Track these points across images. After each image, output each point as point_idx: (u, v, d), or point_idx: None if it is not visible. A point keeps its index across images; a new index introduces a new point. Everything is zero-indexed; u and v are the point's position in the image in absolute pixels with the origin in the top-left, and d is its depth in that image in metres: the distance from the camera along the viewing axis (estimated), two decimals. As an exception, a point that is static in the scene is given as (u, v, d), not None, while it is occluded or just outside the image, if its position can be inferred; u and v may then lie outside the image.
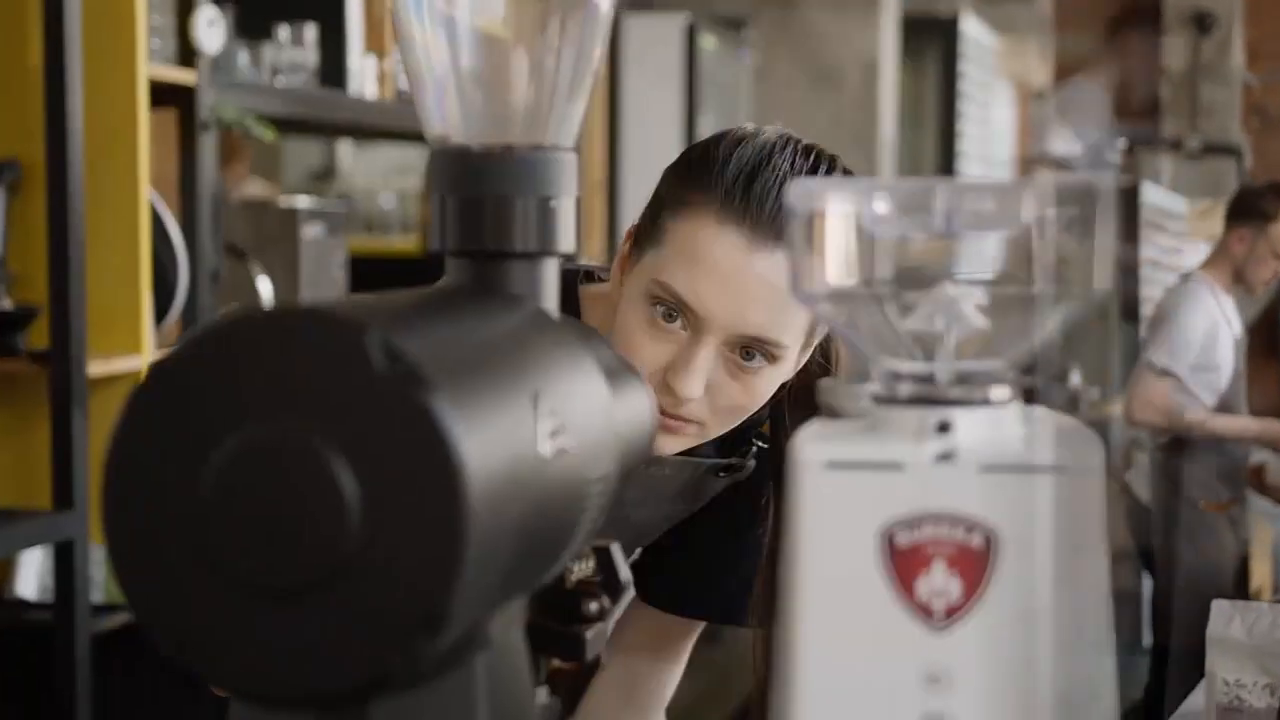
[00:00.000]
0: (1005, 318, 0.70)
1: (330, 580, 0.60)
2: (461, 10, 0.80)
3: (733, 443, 1.42)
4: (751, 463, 1.43)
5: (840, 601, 0.68)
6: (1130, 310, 6.42)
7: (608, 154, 4.78)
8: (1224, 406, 4.27)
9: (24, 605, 2.66)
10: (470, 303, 0.74)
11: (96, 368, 2.43)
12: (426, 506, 0.60)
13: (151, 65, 2.56)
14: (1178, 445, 4.30)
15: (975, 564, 0.67)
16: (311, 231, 3.12)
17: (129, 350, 2.51)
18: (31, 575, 2.69)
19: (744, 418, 1.30)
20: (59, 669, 2.39)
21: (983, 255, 0.71)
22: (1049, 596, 0.67)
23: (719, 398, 1.27)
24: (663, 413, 1.26)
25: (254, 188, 4.29)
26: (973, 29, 7.51)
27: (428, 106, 0.81)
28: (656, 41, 5.23)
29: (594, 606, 0.87)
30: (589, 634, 0.86)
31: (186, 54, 2.68)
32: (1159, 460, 4.36)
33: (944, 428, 0.68)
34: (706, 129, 5.86)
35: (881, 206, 0.70)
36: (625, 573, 0.89)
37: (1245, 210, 4.27)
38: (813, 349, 1.34)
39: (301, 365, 0.61)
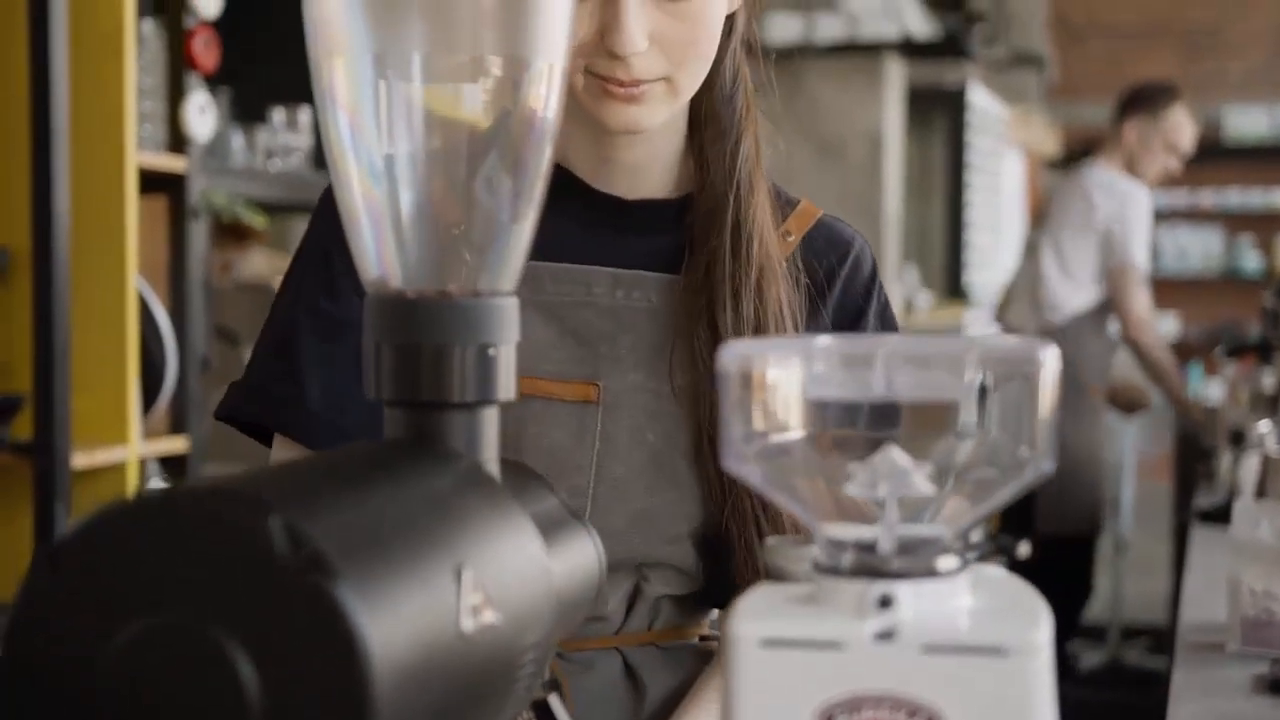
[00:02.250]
0: (950, 485, 0.67)
1: (230, 777, 0.57)
2: (399, 149, 0.77)
3: None
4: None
5: (776, 786, 0.65)
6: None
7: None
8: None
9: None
10: (399, 463, 0.72)
11: (81, 460, 2.40)
12: (331, 700, 0.57)
13: (142, 153, 2.54)
14: (1076, 330, 4.41)
15: (918, 749, 0.64)
16: (307, 313, 3.09)
17: (115, 441, 2.49)
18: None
19: (707, 59, 1.21)
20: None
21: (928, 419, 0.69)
22: (996, 782, 0.64)
23: (667, 42, 1.17)
24: (620, 84, 1.17)
25: (258, 261, 4.28)
26: (980, 99, 7.51)
27: (364, 248, 0.78)
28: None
29: (539, 763, 0.84)
30: (535, 793, 0.83)
31: (178, 140, 2.67)
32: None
33: (885, 603, 0.65)
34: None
35: (820, 367, 0.67)
36: (569, 726, 0.86)
37: (1139, 101, 4.44)
38: None
39: (201, 549, 0.58)
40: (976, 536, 0.72)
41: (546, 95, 0.78)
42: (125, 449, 2.51)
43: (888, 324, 1.34)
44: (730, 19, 1.26)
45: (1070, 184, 4.64)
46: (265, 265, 4.19)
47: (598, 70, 1.17)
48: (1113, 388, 4.68)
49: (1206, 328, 9.85)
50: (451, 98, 0.77)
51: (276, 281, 3.35)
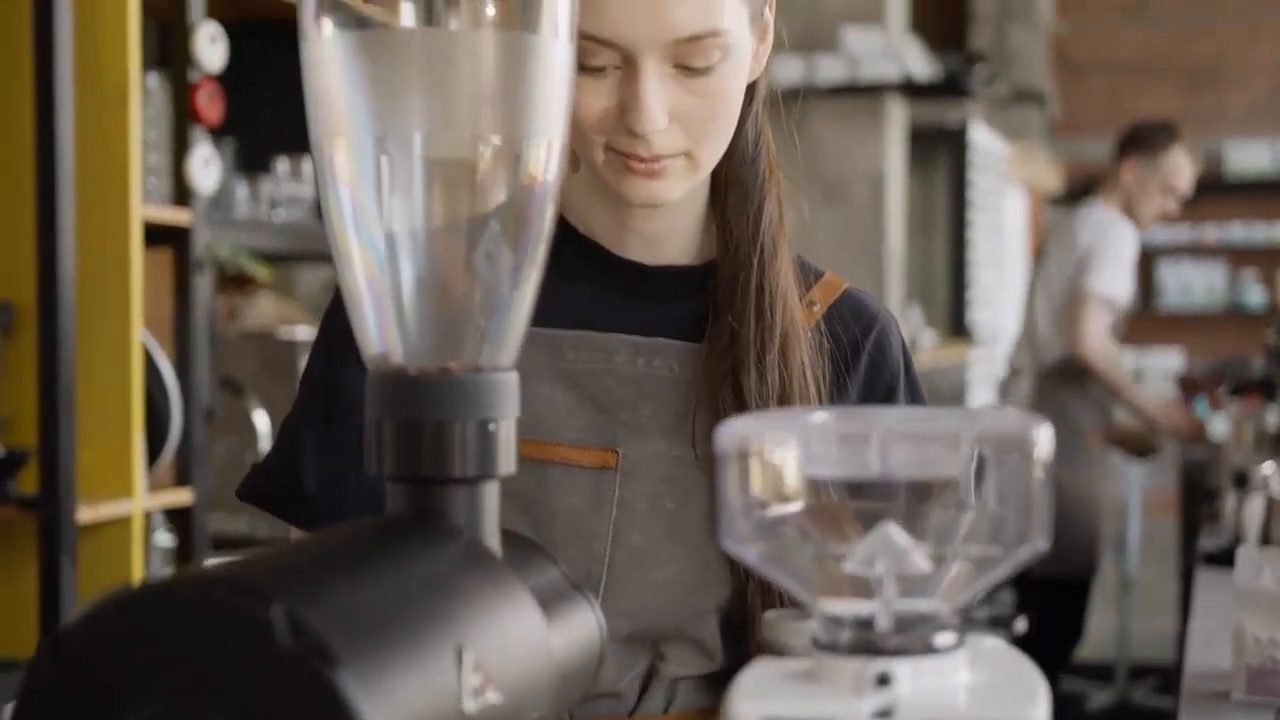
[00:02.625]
0: (947, 560, 0.68)
1: None
2: (399, 226, 0.78)
3: None
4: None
5: None
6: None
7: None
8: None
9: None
10: (399, 541, 0.72)
11: (86, 514, 2.40)
12: (333, 787, 0.58)
13: (147, 206, 2.56)
14: (1067, 372, 4.33)
15: (917, 827, 0.64)
16: (312, 361, 3.10)
17: (120, 494, 2.49)
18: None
19: (727, 132, 1.19)
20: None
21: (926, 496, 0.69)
22: None
23: (688, 117, 1.15)
24: (641, 160, 1.15)
25: (265, 306, 4.29)
26: (981, 137, 7.53)
27: (365, 325, 0.79)
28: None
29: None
30: None
31: (182, 192, 2.69)
32: (1045, 389, 4.39)
33: (884, 681, 0.65)
34: (713, 246, 5.88)
35: (817, 445, 0.68)
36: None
37: (1137, 142, 4.43)
38: (770, 34, 1.24)
39: (203, 638, 0.59)
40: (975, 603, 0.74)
41: (546, 171, 0.79)
42: (130, 502, 2.52)
43: (917, 401, 1.33)
44: (751, 86, 1.25)
45: (1063, 223, 4.65)
46: (272, 311, 4.20)
47: (618, 146, 1.16)
48: (1116, 431, 4.66)
49: (1211, 362, 9.86)
50: (452, 175, 0.78)
51: (282, 330, 3.36)
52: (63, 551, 2.30)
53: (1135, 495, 5.77)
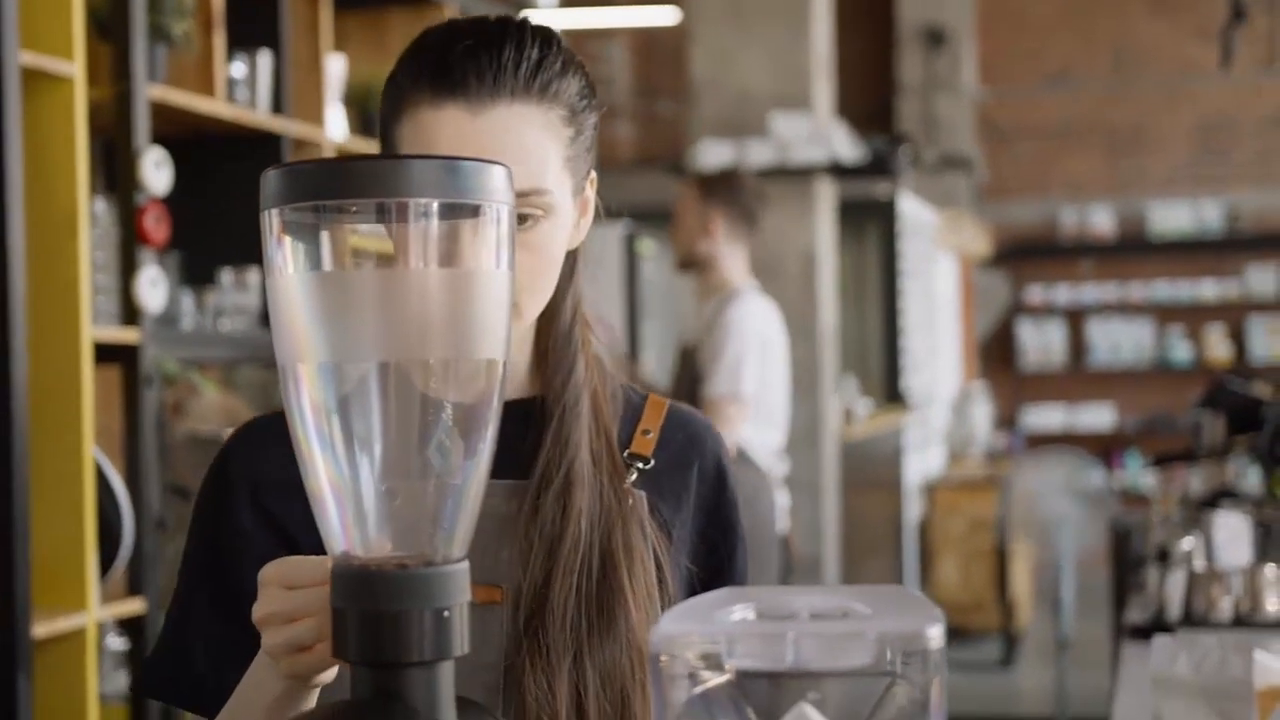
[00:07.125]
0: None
1: None
2: (359, 438, 0.87)
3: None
4: (641, 494, 1.32)
5: None
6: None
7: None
8: None
9: None
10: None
11: (41, 629, 2.45)
12: None
13: (96, 327, 2.63)
14: None
15: None
16: (258, 462, 3.16)
17: (74, 608, 2.55)
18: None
19: (549, 287, 1.26)
20: None
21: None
22: None
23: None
24: None
25: (209, 399, 4.32)
26: (910, 207, 7.69)
27: (330, 525, 0.88)
28: (596, 250, 5.32)
29: None
30: None
31: (131, 312, 2.76)
32: None
33: None
34: (650, 332, 5.99)
35: (739, 644, 0.77)
36: None
37: None
38: (591, 210, 1.31)
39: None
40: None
41: (491, 380, 0.89)
42: (84, 615, 2.57)
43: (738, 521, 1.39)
44: (572, 259, 1.32)
45: None
46: (217, 405, 4.24)
47: None
48: None
49: (1141, 418, 10.06)
50: (406, 392, 0.87)
51: (223, 434, 3.41)
52: (19, 669, 2.35)
53: (1069, 555, 5.89)
